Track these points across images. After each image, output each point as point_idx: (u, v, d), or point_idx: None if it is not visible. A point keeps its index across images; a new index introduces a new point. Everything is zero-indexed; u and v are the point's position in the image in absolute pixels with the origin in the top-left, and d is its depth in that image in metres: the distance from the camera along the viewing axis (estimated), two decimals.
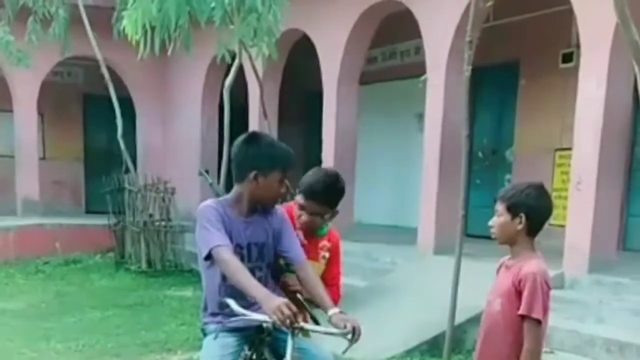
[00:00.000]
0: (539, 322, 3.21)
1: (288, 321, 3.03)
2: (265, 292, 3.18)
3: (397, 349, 6.81)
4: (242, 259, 3.41)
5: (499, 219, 3.37)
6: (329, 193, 3.65)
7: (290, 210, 3.76)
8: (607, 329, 6.57)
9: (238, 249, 3.44)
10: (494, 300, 3.39)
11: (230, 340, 3.45)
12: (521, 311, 3.22)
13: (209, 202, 3.53)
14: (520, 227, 3.31)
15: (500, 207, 3.37)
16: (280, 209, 3.66)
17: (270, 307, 3.07)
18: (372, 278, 8.94)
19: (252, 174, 3.40)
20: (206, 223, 3.39)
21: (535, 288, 3.19)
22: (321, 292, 3.44)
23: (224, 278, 3.41)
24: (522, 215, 3.30)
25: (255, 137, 3.56)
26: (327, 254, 3.84)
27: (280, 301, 3.10)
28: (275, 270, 3.63)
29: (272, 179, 3.41)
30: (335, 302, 3.77)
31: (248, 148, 3.46)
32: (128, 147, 12.58)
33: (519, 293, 3.24)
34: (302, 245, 3.67)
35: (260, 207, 3.52)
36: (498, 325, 3.35)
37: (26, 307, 9.49)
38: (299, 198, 3.66)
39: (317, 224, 3.71)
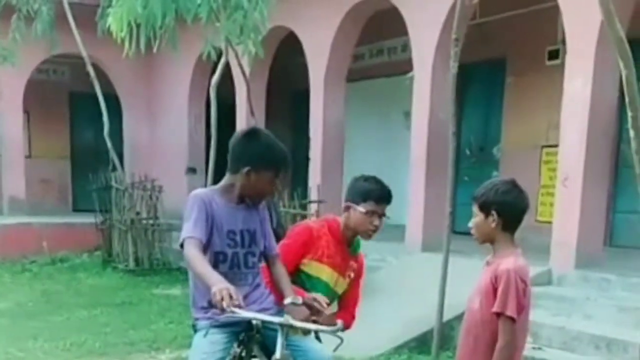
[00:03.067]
0: (513, 319, 3.18)
1: (220, 302, 3.06)
2: (218, 277, 3.21)
3: (386, 346, 6.82)
4: (235, 245, 3.51)
5: (474, 219, 3.37)
6: (390, 195, 3.85)
7: (332, 225, 3.83)
8: (594, 325, 6.59)
9: (231, 235, 3.51)
10: (474, 298, 3.37)
11: (220, 337, 3.46)
12: (495, 308, 3.19)
13: (197, 191, 3.60)
14: (494, 224, 3.29)
15: (474, 207, 3.36)
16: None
17: (214, 289, 3.11)
18: None
19: (245, 169, 3.44)
20: (189, 213, 3.44)
21: (508, 285, 3.17)
22: (287, 282, 3.58)
23: None
24: (494, 212, 3.28)
25: (255, 133, 3.59)
26: (352, 274, 3.92)
27: (224, 285, 3.13)
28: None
29: (263, 178, 3.45)
30: (348, 327, 3.77)
31: (247, 143, 3.51)
32: (115, 145, 12.55)
33: (495, 290, 3.22)
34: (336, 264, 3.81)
35: (248, 200, 3.57)
36: (477, 323, 3.33)
37: (13, 306, 9.43)
38: (366, 206, 3.73)
39: (359, 233, 3.81)
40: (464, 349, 3.44)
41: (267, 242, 3.65)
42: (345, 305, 3.94)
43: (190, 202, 3.47)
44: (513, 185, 3.36)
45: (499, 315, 3.19)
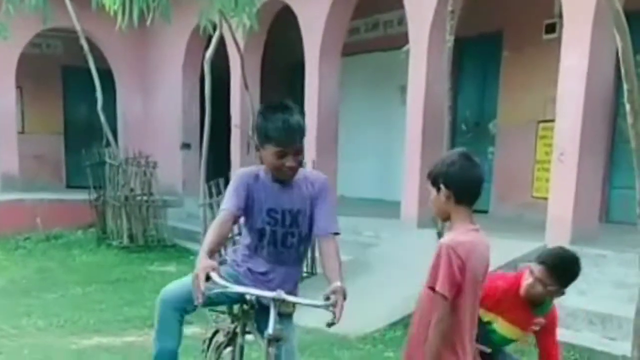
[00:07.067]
0: (444, 296, 3.02)
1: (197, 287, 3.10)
2: (203, 260, 3.18)
3: (381, 323, 6.82)
4: (275, 223, 3.48)
5: (431, 196, 3.25)
6: (569, 276, 3.70)
7: (519, 277, 3.75)
8: (589, 301, 6.60)
9: (272, 213, 3.47)
10: (426, 275, 3.22)
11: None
12: (426, 282, 3.08)
13: (243, 169, 3.59)
14: (444, 198, 3.15)
15: (428, 184, 3.25)
16: (323, 178, 3.58)
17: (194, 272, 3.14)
18: (355, 252, 8.91)
19: (255, 145, 3.46)
20: (230, 189, 3.47)
21: (438, 260, 3.04)
22: (332, 264, 3.42)
23: None
24: (442, 185, 3.14)
25: (267, 109, 3.45)
26: (537, 328, 3.83)
27: (202, 266, 3.14)
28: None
29: (267, 152, 3.36)
30: None
31: (257, 119, 3.45)
32: (108, 120, 12.47)
33: None
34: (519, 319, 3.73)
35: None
36: (424, 300, 3.22)
37: (6, 284, 9.40)
38: (536, 268, 3.64)
39: (542, 297, 3.70)
40: (415, 326, 3.32)
41: (318, 222, 3.48)
42: (547, 355, 3.88)
43: (233, 180, 3.49)
44: (460, 155, 3.18)
45: (433, 290, 3.06)
